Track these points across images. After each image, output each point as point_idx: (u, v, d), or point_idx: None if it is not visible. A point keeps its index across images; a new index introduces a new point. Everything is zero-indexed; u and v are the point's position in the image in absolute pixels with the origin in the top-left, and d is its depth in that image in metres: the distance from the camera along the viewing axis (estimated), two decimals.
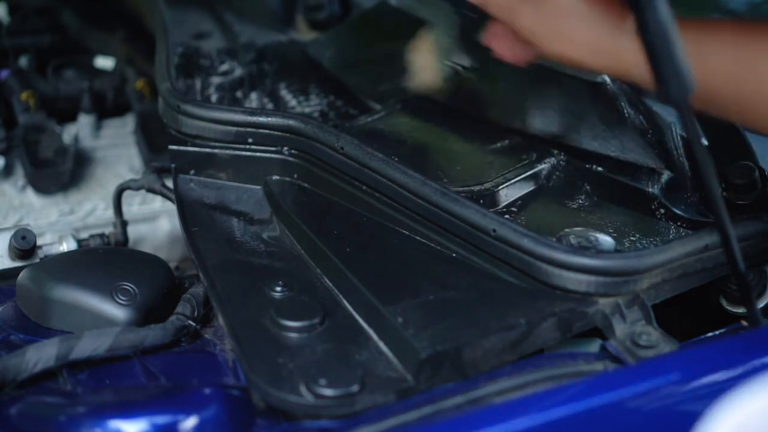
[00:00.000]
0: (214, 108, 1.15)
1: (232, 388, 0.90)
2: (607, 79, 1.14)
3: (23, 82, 1.54)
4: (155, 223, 1.43)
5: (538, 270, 0.93)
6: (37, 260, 1.22)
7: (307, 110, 1.36)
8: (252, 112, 1.13)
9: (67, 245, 1.25)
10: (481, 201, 1.04)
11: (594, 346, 0.94)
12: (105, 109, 1.60)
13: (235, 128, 1.12)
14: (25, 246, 1.20)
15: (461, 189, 1.06)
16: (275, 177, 1.13)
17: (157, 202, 1.43)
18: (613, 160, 1.11)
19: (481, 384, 0.87)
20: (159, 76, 1.18)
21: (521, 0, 0.95)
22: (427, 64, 1.16)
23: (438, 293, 0.94)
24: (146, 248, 1.36)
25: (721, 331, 0.98)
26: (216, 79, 1.41)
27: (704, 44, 0.90)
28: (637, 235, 1.01)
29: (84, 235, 1.30)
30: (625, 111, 1.12)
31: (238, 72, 1.42)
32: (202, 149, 1.13)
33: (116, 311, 1.00)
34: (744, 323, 0.99)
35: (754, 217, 0.99)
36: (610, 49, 0.92)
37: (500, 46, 1.01)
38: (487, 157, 1.15)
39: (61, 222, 1.39)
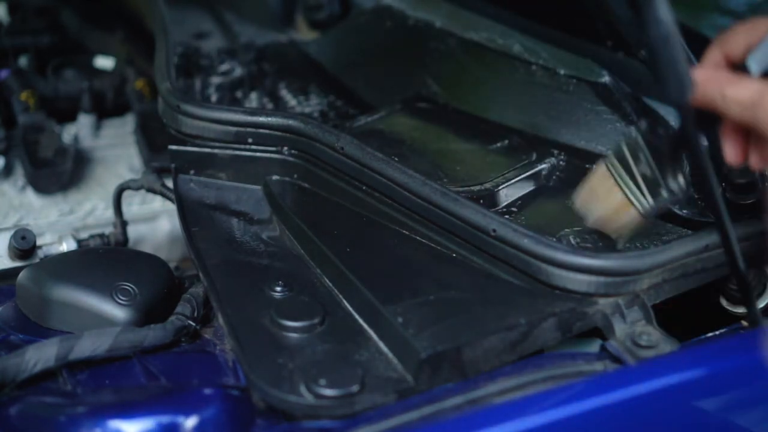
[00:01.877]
0: (214, 108, 1.15)
1: (232, 388, 0.90)
2: (608, 80, 1.14)
3: (23, 82, 1.54)
4: (155, 223, 1.43)
5: (538, 270, 0.93)
6: (37, 260, 1.22)
7: (307, 110, 1.36)
8: (252, 112, 1.13)
9: (67, 245, 1.25)
10: (481, 201, 1.04)
11: (594, 346, 0.94)
12: (105, 109, 1.59)
13: (235, 128, 1.12)
14: (24, 246, 1.20)
15: (461, 189, 1.06)
16: (275, 177, 1.13)
17: (157, 202, 1.43)
18: None
19: (481, 384, 0.87)
20: (159, 76, 1.18)
21: None
22: None
23: (438, 293, 0.94)
24: (146, 248, 1.36)
25: (721, 331, 0.98)
26: (216, 79, 1.41)
27: None
28: (637, 235, 1.01)
29: (84, 235, 1.30)
30: (626, 111, 1.12)
31: (238, 72, 1.42)
32: (202, 149, 1.13)
33: (116, 311, 1.00)
34: (744, 323, 0.99)
35: (754, 217, 0.99)
36: None
37: (745, 155, 0.88)
38: (487, 157, 1.15)
39: (61, 222, 1.39)
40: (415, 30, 1.36)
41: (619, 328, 0.91)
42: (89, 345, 0.94)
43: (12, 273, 1.16)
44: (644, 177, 0.93)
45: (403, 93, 1.30)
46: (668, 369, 0.88)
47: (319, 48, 1.46)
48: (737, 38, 0.86)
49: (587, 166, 1.11)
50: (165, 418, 0.86)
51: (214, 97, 1.39)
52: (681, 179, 0.92)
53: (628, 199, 0.93)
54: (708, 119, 0.86)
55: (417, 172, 1.03)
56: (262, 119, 1.12)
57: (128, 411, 0.87)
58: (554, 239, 0.96)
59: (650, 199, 0.93)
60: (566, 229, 1.00)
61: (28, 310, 1.04)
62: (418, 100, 1.28)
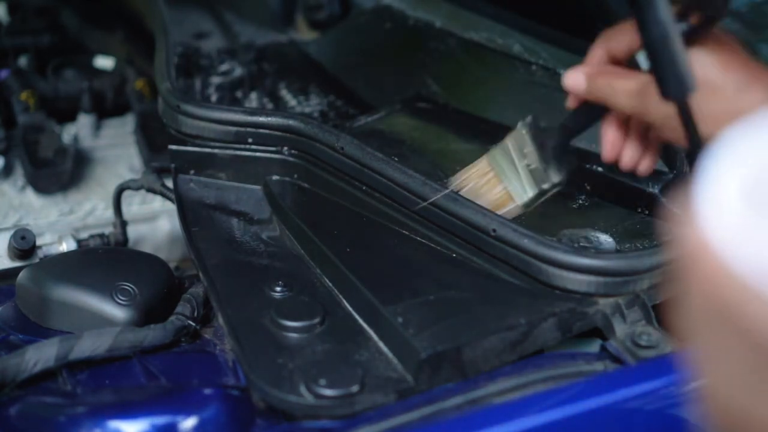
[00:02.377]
0: (214, 108, 1.15)
1: (232, 388, 0.90)
2: None
3: (23, 82, 1.54)
4: (155, 223, 1.43)
5: (538, 270, 0.93)
6: (37, 260, 1.22)
7: (307, 110, 1.36)
8: (252, 112, 1.13)
9: (67, 245, 1.25)
10: None
11: (594, 346, 0.94)
12: (105, 109, 1.59)
13: (235, 128, 1.12)
14: (24, 246, 1.20)
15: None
16: (275, 177, 1.13)
17: (157, 202, 1.43)
18: None
19: (481, 384, 0.87)
20: (159, 76, 1.18)
21: (654, 85, 0.84)
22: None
23: (438, 293, 0.94)
24: (146, 248, 1.36)
25: None
26: (216, 79, 1.41)
27: None
28: (637, 235, 1.01)
29: (84, 235, 1.30)
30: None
31: (238, 72, 1.42)
32: (202, 149, 1.13)
33: (116, 311, 1.00)
34: None
35: None
36: None
37: (620, 152, 0.94)
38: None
39: (61, 222, 1.39)
40: (415, 30, 1.36)
41: (619, 328, 0.91)
42: (89, 345, 0.94)
43: (12, 273, 1.16)
44: (528, 168, 0.98)
45: (403, 93, 1.30)
46: (668, 369, 0.88)
47: (319, 48, 1.46)
48: (621, 37, 0.90)
49: (587, 166, 1.12)
50: (165, 418, 0.86)
51: (214, 97, 1.39)
52: (564, 170, 0.98)
53: (509, 192, 0.99)
54: (594, 113, 0.93)
55: (417, 172, 1.03)
56: (262, 119, 1.12)
57: (128, 411, 0.87)
58: (554, 239, 0.96)
59: (531, 191, 0.98)
60: (566, 229, 1.00)
61: (27, 310, 1.04)
62: (418, 100, 1.28)
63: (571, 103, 0.96)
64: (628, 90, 0.88)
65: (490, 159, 1.01)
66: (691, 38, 0.84)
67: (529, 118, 0.99)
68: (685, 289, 0.39)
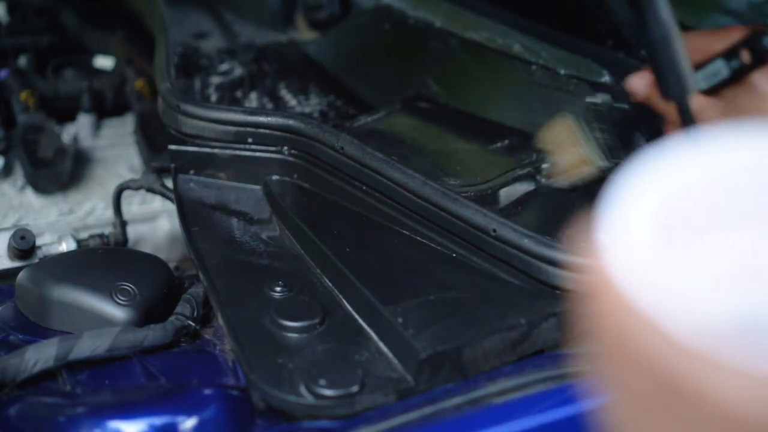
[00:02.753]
0: (214, 108, 1.15)
1: (232, 388, 0.90)
2: (608, 80, 1.14)
3: (22, 82, 1.54)
4: (155, 223, 1.42)
5: (538, 270, 0.93)
6: (37, 260, 1.22)
7: (307, 110, 1.35)
8: (252, 112, 1.13)
9: (67, 245, 1.25)
10: (481, 201, 1.04)
11: None
12: (104, 109, 1.59)
13: (235, 128, 1.12)
14: (24, 246, 1.20)
15: (461, 189, 1.06)
16: (275, 177, 1.13)
17: (157, 202, 1.43)
18: None
19: (481, 384, 0.87)
20: (159, 76, 1.18)
21: (705, 112, 0.89)
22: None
23: (438, 293, 0.94)
24: (146, 248, 1.36)
25: None
26: (216, 79, 1.41)
27: None
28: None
29: (83, 235, 1.30)
30: (626, 111, 1.12)
31: (238, 72, 1.42)
32: (202, 149, 1.13)
33: (116, 311, 1.00)
34: None
35: None
36: None
37: None
38: (487, 157, 1.14)
39: (61, 222, 1.38)
40: (415, 30, 1.36)
41: None
42: (89, 345, 0.94)
43: (12, 273, 1.16)
44: (599, 139, 1.04)
45: (403, 93, 1.30)
46: None
47: (319, 48, 1.46)
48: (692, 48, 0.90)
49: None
50: (165, 419, 0.86)
51: (214, 97, 1.39)
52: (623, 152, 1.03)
53: (586, 155, 1.04)
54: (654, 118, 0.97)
55: (417, 172, 1.03)
56: (262, 119, 1.12)
57: (128, 411, 0.87)
58: (554, 239, 0.95)
59: (601, 160, 1.03)
60: (566, 230, 1.00)
61: (27, 310, 1.04)
62: (418, 100, 1.28)
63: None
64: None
65: (571, 121, 1.05)
66: (741, 74, 0.88)
67: (606, 97, 1.05)
68: (591, 323, 0.39)
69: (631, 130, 1.03)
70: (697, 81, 0.90)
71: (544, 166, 1.11)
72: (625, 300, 0.35)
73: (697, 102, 0.89)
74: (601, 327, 0.38)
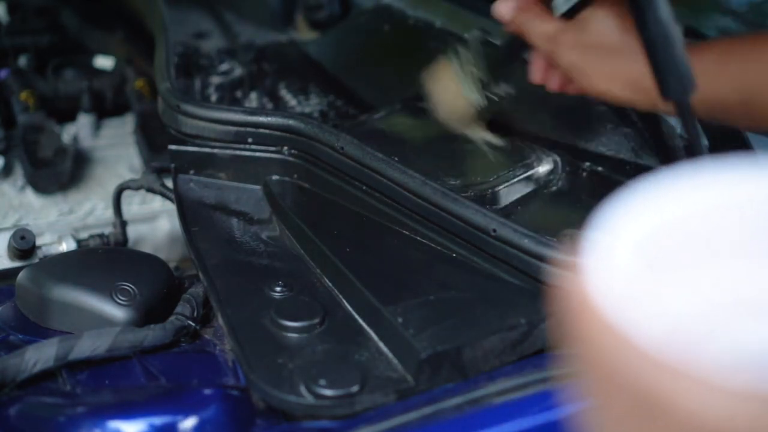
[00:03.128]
0: (214, 108, 1.15)
1: (232, 388, 0.90)
2: None
3: (22, 82, 1.54)
4: (155, 223, 1.43)
5: (538, 270, 0.93)
6: (37, 260, 1.22)
7: (307, 110, 1.36)
8: (252, 112, 1.13)
9: (67, 245, 1.25)
10: (481, 201, 1.04)
11: None
12: (105, 109, 1.59)
13: (235, 128, 1.12)
14: (24, 246, 1.20)
15: (461, 189, 1.06)
16: (275, 177, 1.13)
17: (157, 202, 1.43)
18: (613, 160, 1.11)
19: (481, 384, 0.87)
20: (159, 76, 1.18)
21: (563, 34, 0.94)
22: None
23: (438, 293, 0.94)
24: (146, 248, 1.36)
25: None
26: (216, 79, 1.41)
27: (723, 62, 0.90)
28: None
29: (84, 235, 1.30)
30: (626, 110, 1.12)
31: (238, 72, 1.42)
32: (202, 149, 1.13)
33: (116, 311, 1.00)
34: None
35: None
36: (647, 85, 0.88)
37: (546, 78, 1.01)
38: (487, 157, 1.14)
39: (61, 222, 1.38)
40: (415, 30, 1.36)
41: None
42: (89, 345, 0.94)
43: (12, 273, 1.16)
44: (474, 75, 1.09)
45: (403, 93, 1.30)
46: None
47: (319, 48, 1.46)
48: None
49: (587, 165, 1.12)
50: (165, 419, 0.86)
51: (214, 97, 1.39)
52: (506, 86, 1.10)
53: (463, 92, 1.10)
54: (521, 44, 1.01)
55: (417, 172, 1.03)
56: (262, 119, 1.12)
57: (128, 411, 0.87)
58: (554, 239, 0.95)
59: (479, 96, 1.10)
60: (566, 229, 1.00)
61: (27, 310, 1.04)
62: (418, 100, 1.28)
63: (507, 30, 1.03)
64: (543, 32, 0.96)
65: (451, 58, 1.11)
66: (589, 1, 0.92)
67: (477, 33, 1.10)
68: (574, 347, 0.39)
69: (503, 63, 1.09)
70: (558, 4, 0.96)
71: (543, 168, 1.11)
72: (605, 320, 0.36)
73: (553, 27, 0.95)
74: (581, 345, 0.38)
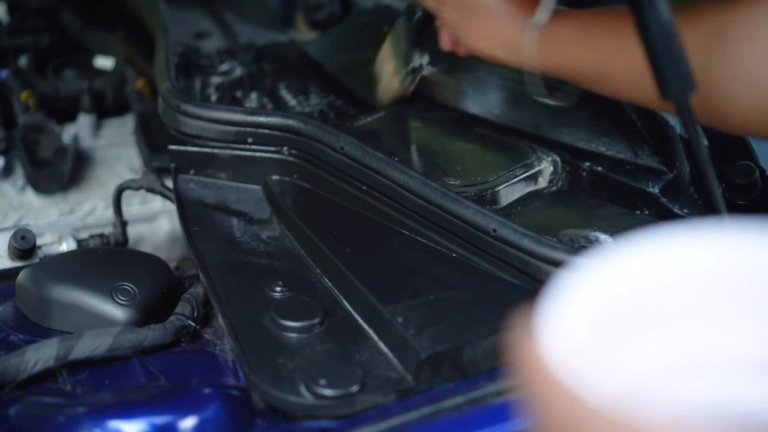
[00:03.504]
0: (214, 108, 1.15)
1: (232, 388, 0.90)
2: None
3: (23, 82, 1.54)
4: (155, 223, 1.42)
5: (538, 270, 0.93)
6: (37, 260, 1.22)
7: (307, 110, 1.35)
8: (252, 112, 1.13)
9: (67, 245, 1.25)
10: (481, 201, 1.04)
11: None
12: (105, 109, 1.59)
13: (235, 128, 1.12)
14: (24, 246, 1.20)
15: (461, 189, 1.06)
16: (275, 177, 1.13)
17: (157, 202, 1.43)
18: (613, 160, 1.11)
19: (481, 384, 0.87)
20: (159, 76, 1.18)
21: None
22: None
23: (438, 293, 0.94)
24: (146, 248, 1.36)
25: None
26: (216, 79, 1.41)
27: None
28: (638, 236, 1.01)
29: (84, 235, 1.30)
30: (626, 110, 1.12)
31: (238, 72, 1.42)
32: (202, 149, 1.13)
33: (116, 311, 1.00)
34: None
35: (754, 218, 0.99)
36: (517, 43, 1.00)
37: (443, 38, 1.11)
38: (487, 157, 1.14)
39: (61, 222, 1.38)
40: None
41: None
42: (89, 345, 0.94)
43: (12, 273, 1.16)
44: (401, 50, 1.19)
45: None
46: None
47: (319, 48, 1.46)
48: None
49: (587, 165, 1.12)
50: (165, 418, 0.86)
51: (214, 97, 1.39)
52: (424, 57, 1.19)
53: (395, 69, 1.20)
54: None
55: (417, 172, 1.03)
56: (262, 119, 1.12)
57: (128, 411, 0.87)
58: (554, 239, 0.95)
59: (404, 68, 1.19)
60: (566, 229, 1.00)
61: (27, 310, 1.04)
62: (418, 100, 1.28)
63: None
64: (427, 5, 1.08)
65: (389, 38, 1.21)
66: None
67: (409, 4, 1.17)
68: (532, 405, 0.41)
69: (418, 32, 1.17)
70: None
71: (543, 168, 1.11)
72: (560, 383, 0.38)
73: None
74: (539, 408, 0.40)
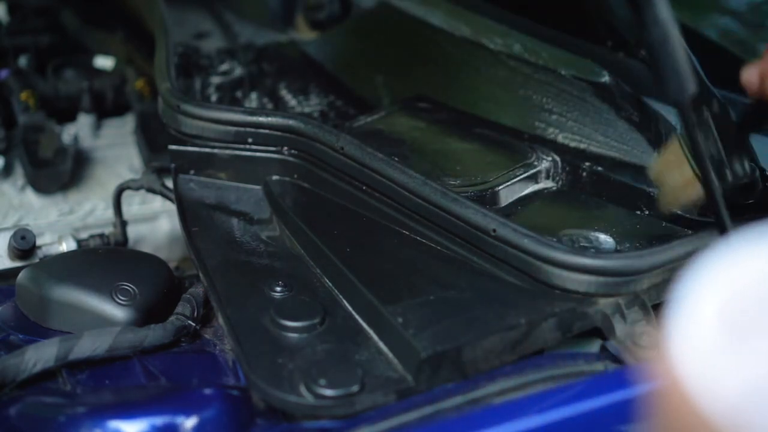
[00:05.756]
0: (214, 108, 1.15)
1: (232, 388, 0.90)
2: (608, 80, 1.14)
3: (23, 82, 1.54)
4: (155, 223, 1.43)
5: (538, 270, 0.93)
6: (37, 260, 1.22)
7: (307, 110, 1.36)
8: (252, 112, 1.13)
9: (67, 245, 1.25)
10: (481, 201, 1.04)
11: (594, 347, 0.94)
12: (105, 109, 1.60)
13: (235, 128, 1.12)
14: (24, 246, 1.20)
15: (461, 189, 1.06)
16: (275, 177, 1.13)
17: (157, 202, 1.43)
18: (613, 160, 1.11)
19: (481, 384, 0.87)
20: (159, 76, 1.18)
21: None
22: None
23: (438, 293, 0.94)
24: (146, 248, 1.36)
25: None
26: (216, 79, 1.41)
27: None
28: (637, 235, 1.01)
29: (84, 235, 1.30)
30: (626, 111, 1.12)
31: (238, 72, 1.42)
32: (202, 149, 1.13)
33: (116, 311, 1.00)
34: None
35: (755, 218, 0.99)
36: None
37: None
38: (487, 157, 1.15)
39: (61, 222, 1.39)
40: (415, 30, 1.36)
41: (619, 328, 0.91)
42: (89, 345, 0.94)
43: (12, 273, 1.16)
44: (711, 157, 0.92)
45: (403, 93, 1.30)
46: None
47: (319, 48, 1.46)
48: None
49: (587, 165, 1.12)
50: (165, 418, 0.86)
51: (214, 97, 1.39)
52: (746, 163, 0.94)
53: (696, 174, 0.93)
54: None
55: (417, 172, 1.03)
56: (262, 119, 1.12)
57: (128, 411, 0.87)
58: (554, 239, 0.96)
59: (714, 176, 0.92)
60: (566, 229, 1.00)
61: (28, 310, 1.04)
62: (418, 100, 1.28)
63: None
64: None
65: (680, 139, 0.98)
66: None
67: (714, 103, 0.96)
68: (660, 421, 0.39)
69: (744, 132, 0.97)
70: None
71: (543, 168, 1.11)
72: (691, 400, 0.36)
73: None
74: (668, 423, 0.38)
